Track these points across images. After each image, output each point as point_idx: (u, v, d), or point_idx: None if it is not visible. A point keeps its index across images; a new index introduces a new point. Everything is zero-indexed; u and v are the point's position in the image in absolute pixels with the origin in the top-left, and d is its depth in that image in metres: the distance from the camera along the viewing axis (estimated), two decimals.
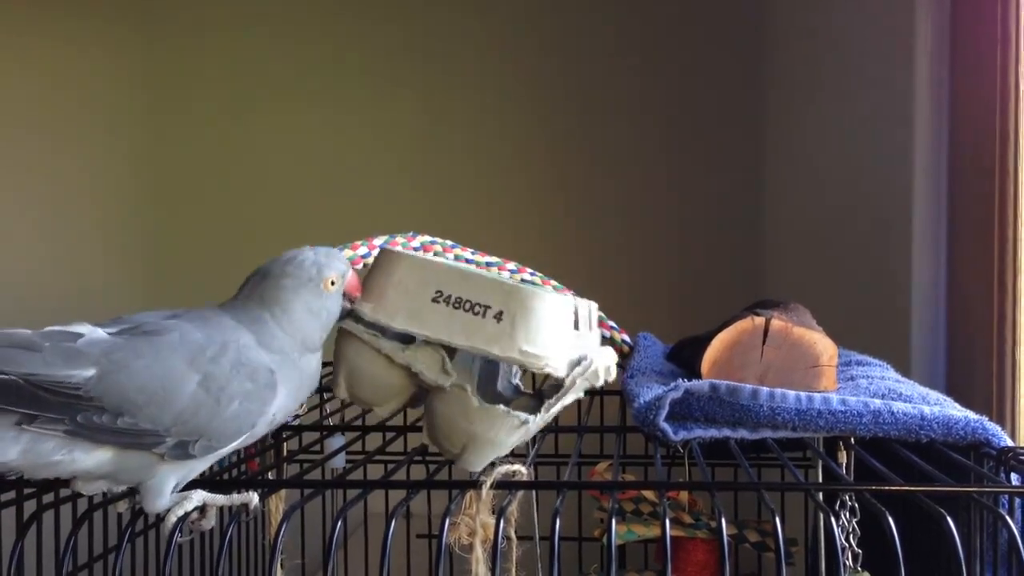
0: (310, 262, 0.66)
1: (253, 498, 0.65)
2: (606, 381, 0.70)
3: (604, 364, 0.68)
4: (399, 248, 0.68)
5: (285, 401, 0.64)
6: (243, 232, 2.14)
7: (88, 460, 0.59)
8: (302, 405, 0.88)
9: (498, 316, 0.64)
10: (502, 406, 0.65)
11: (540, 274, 0.95)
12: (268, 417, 0.64)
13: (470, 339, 0.65)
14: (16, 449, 0.57)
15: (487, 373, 0.74)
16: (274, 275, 0.66)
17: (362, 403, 0.71)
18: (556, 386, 0.68)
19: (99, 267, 2.18)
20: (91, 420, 0.57)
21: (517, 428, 0.65)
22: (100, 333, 0.60)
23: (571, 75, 2.07)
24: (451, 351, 0.67)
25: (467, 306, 0.65)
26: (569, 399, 0.68)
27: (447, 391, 0.66)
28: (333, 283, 0.66)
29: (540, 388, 0.75)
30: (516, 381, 0.75)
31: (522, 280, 0.95)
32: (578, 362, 0.67)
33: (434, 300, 0.65)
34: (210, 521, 0.65)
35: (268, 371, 0.62)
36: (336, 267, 0.67)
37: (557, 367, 0.66)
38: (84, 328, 0.60)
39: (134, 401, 0.58)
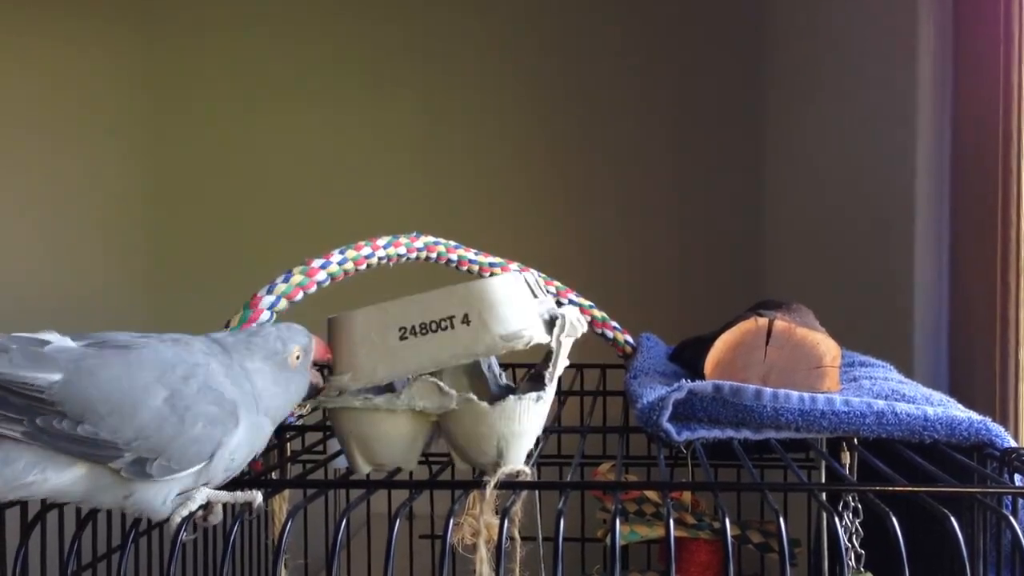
0: (274, 336, 0.66)
1: (257, 497, 0.65)
2: (583, 334, 0.71)
3: (574, 316, 0.69)
4: (343, 313, 0.68)
5: (243, 439, 0.63)
6: (244, 232, 2.14)
7: (61, 478, 0.58)
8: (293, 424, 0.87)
9: (465, 319, 0.65)
10: (511, 395, 0.66)
11: (543, 275, 0.95)
12: (227, 451, 0.62)
13: (452, 353, 0.65)
14: None
15: (476, 387, 0.74)
16: (242, 340, 0.66)
17: (386, 468, 0.70)
18: (546, 359, 0.69)
19: (99, 267, 2.17)
20: (51, 424, 0.56)
21: (535, 407, 0.67)
22: (68, 342, 0.59)
23: (572, 75, 2.07)
24: (438, 373, 0.67)
25: (433, 327, 0.65)
26: (563, 363, 0.69)
27: (457, 410, 0.66)
28: (298, 357, 0.66)
29: (527, 376, 0.75)
30: (504, 381, 0.76)
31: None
32: (552, 322, 0.68)
33: (402, 338, 0.66)
34: (217, 516, 0.64)
35: (232, 401, 0.62)
36: (299, 340, 0.66)
37: (538, 334, 0.67)
38: (52, 336, 0.59)
39: (97, 410, 0.57)
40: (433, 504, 1.08)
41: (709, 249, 2.02)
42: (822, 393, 0.78)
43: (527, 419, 0.66)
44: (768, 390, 0.76)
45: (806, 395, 0.76)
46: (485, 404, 0.66)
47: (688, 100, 2.04)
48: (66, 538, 0.70)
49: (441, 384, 0.66)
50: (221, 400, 0.61)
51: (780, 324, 0.83)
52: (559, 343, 0.68)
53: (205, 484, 0.63)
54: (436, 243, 0.90)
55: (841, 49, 1.47)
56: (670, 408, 0.76)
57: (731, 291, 1.79)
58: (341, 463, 0.95)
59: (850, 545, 0.79)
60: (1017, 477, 0.69)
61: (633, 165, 2.06)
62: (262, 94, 2.16)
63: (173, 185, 2.19)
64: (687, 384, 0.78)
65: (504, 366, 0.80)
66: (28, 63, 2.17)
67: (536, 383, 0.70)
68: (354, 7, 2.14)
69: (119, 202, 2.19)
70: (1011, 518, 0.60)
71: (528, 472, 0.67)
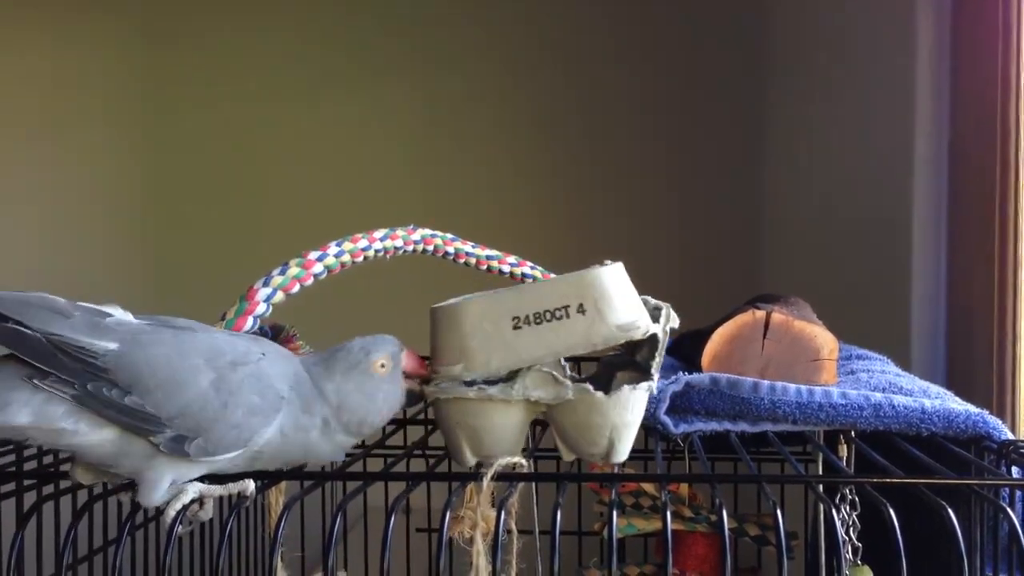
0: (357, 347, 0.66)
1: (248, 485, 0.65)
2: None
3: (671, 307, 0.69)
4: (450, 302, 0.67)
5: (272, 439, 0.63)
6: (240, 225, 2.14)
7: (92, 436, 0.59)
8: None
9: (580, 309, 0.64)
10: (626, 386, 0.65)
11: (540, 268, 0.95)
12: (260, 440, 0.62)
13: (569, 343, 0.64)
14: (27, 411, 0.58)
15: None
16: (323, 358, 0.66)
17: (493, 459, 0.68)
18: (641, 346, 0.69)
19: (98, 262, 2.17)
20: (100, 391, 0.58)
21: (643, 397, 0.66)
22: (130, 318, 0.62)
23: (572, 74, 2.07)
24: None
25: (547, 316, 0.64)
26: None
27: (571, 400, 0.65)
28: (383, 365, 0.66)
29: (604, 363, 0.74)
30: (569, 373, 0.75)
31: (522, 275, 0.95)
32: (656, 312, 0.67)
33: (516, 328, 0.64)
34: (208, 512, 0.64)
35: (278, 396, 0.63)
36: (385, 349, 0.66)
37: (648, 325, 0.66)
38: (115, 310, 0.62)
39: (145, 383, 0.59)
40: (430, 498, 1.08)
41: (707, 244, 2.02)
42: (819, 386, 0.78)
43: (637, 409, 0.66)
44: (765, 383, 0.76)
45: (803, 388, 0.76)
46: (600, 394, 0.64)
47: (688, 94, 2.04)
48: (62, 530, 0.70)
49: (556, 374, 0.65)
50: (266, 392, 0.62)
51: (777, 317, 0.83)
52: (665, 333, 0.67)
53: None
54: (433, 236, 0.89)
55: (840, 47, 1.47)
56: (667, 401, 0.76)
57: (729, 285, 1.78)
58: (337, 457, 0.95)
59: (847, 538, 0.79)
60: (1014, 469, 0.69)
61: (632, 159, 2.06)
62: (259, 88, 2.15)
63: (170, 179, 2.18)
64: (684, 377, 0.78)
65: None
66: (28, 61, 2.16)
67: (633, 370, 0.69)
68: (356, 4, 2.14)
69: (116, 197, 2.18)
70: (1008, 509, 0.60)
71: (525, 464, 0.67)
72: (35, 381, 0.58)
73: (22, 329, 0.58)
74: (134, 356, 0.59)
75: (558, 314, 0.64)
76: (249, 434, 0.61)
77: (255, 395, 0.61)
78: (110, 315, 0.61)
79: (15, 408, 0.58)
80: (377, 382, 0.65)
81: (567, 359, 0.74)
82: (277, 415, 0.62)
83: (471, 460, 0.68)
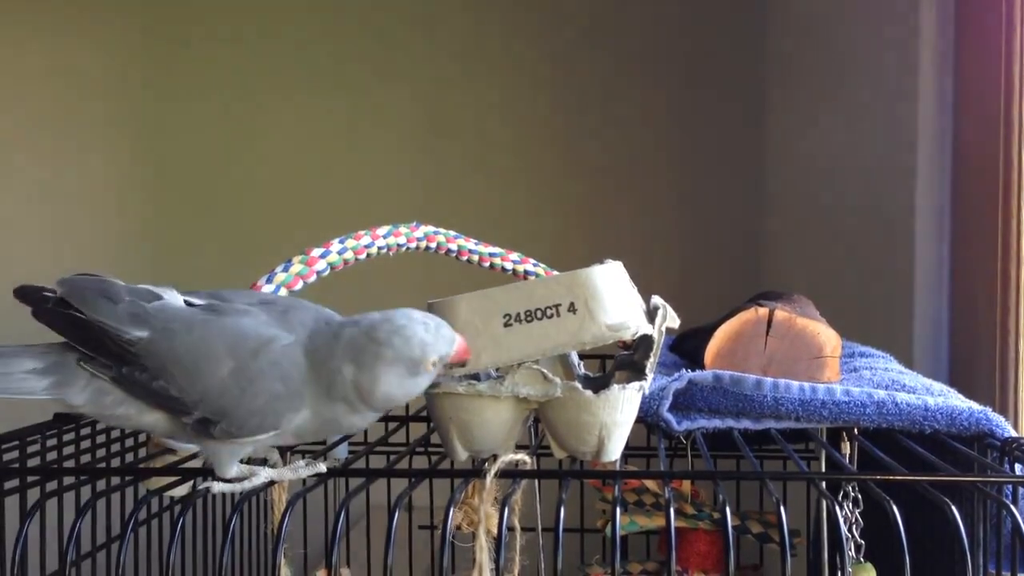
0: (418, 340, 0.61)
1: (321, 467, 0.67)
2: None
3: (670, 307, 0.69)
4: (445, 298, 0.67)
5: (307, 422, 0.63)
6: (244, 221, 2.14)
7: (144, 418, 0.63)
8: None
9: (571, 308, 0.64)
10: (616, 385, 0.65)
11: (543, 265, 0.95)
12: (292, 427, 0.62)
13: (557, 342, 0.64)
14: (84, 395, 0.63)
15: (569, 376, 0.73)
16: (377, 341, 0.62)
17: (483, 454, 0.69)
18: (640, 347, 0.69)
19: (99, 264, 2.16)
20: (132, 375, 0.61)
21: (635, 397, 0.66)
22: (179, 302, 0.64)
23: (573, 73, 2.07)
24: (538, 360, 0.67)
25: (538, 314, 0.64)
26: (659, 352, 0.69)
27: (560, 398, 0.65)
28: (434, 364, 0.62)
29: (614, 365, 0.74)
30: (582, 371, 0.75)
31: (525, 272, 0.95)
32: (653, 312, 0.67)
33: (506, 325, 0.65)
34: (183, 489, 0.68)
35: (302, 381, 0.62)
36: (440, 349, 0.62)
37: (642, 325, 0.66)
38: (168, 293, 0.64)
39: (169, 370, 0.61)
40: (432, 495, 1.07)
41: (710, 241, 2.02)
42: (822, 383, 0.78)
43: (628, 409, 0.66)
44: (768, 380, 0.76)
45: (806, 385, 0.76)
46: (590, 393, 0.65)
47: (688, 94, 2.04)
48: (65, 526, 0.70)
49: (546, 372, 0.65)
50: (288, 379, 0.61)
51: (780, 314, 0.83)
52: (661, 333, 0.67)
53: (271, 456, 0.68)
54: (436, 233, 0.89)
55: (842, 46, 1.47)
56: (670, 398, 0.76)
57: (731, 284, 1.79)
58: (340, 453, 0.95)
59: (850, 535, 0.79)
60: (1017, 466, 0.69)
61: (633, 158, 2.06)
62: (262, 83, 2.15)
63: (172, 175, 2.19)
64: (687, 374, 0.78)
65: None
66: (26, 55, 2.16)
67: (628, 371, 0.70)
68: (353, 1, 2.14)
69: (116, 195, 2.19)
70: (1012, 506, 0.60)
71: (528, 461, 0.67)
72: (81, 364, 0.61)
73: (76, 315, 0.61)
74: (161, 345, 0.61)
75: (548, 312, 0.64)
76: (275, 419, 0.62)
77: (276, 382, 0.61)
78: (160, 298, 0.63)
79: (75, 390, 0.62)
80: (419, 378, 0.62)
81: (581, 356, 0.74)
82: (303, 400, 0.62)
83: (462, 454, 0.69)
